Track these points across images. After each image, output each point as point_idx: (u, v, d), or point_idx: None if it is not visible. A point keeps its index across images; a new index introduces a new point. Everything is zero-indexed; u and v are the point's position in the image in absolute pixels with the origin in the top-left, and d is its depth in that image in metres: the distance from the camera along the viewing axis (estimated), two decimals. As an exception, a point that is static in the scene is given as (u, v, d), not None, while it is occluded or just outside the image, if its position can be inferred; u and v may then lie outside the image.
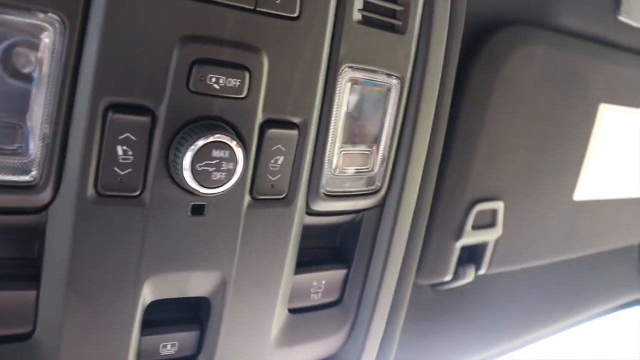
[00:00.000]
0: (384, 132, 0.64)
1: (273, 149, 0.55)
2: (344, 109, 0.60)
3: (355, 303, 0.71)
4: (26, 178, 0.47)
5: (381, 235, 0.69)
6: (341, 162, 0.62)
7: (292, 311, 0.66)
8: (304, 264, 0.65)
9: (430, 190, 0.72)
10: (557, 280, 1.52)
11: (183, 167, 0.49)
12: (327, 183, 0.61)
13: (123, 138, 0.48)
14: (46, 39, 0.45)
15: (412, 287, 0.75)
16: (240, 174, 0.52)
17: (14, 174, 0.46)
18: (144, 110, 0.48)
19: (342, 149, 0.61)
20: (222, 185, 0.51)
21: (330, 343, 0.70)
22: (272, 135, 0.55)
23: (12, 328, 0.50)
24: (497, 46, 1.01)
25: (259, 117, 0.54)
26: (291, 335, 0.65)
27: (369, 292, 0.70)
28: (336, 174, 0.62)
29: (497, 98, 1.03)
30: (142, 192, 0.50)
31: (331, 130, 0.59)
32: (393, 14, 0.61)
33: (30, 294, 0.50)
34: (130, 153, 0.49)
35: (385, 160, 0.65)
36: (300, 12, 0.53)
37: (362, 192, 0.65)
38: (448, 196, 1.06)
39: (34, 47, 0.45)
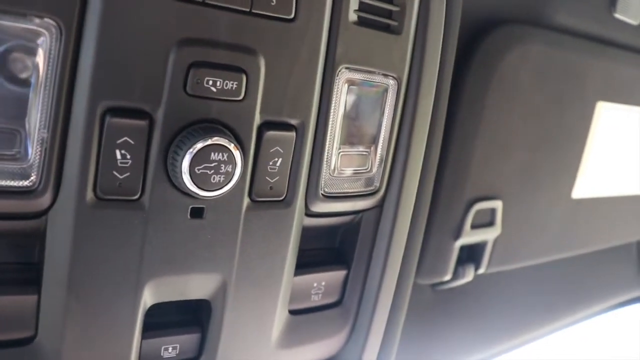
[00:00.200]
0: (381, 133, 0.64)
1: (271, 151, 0.55)
2: (341, 110, 0.60)
3: (355, 304, 0.71)
4: (25, 183, 0.47)
5: (380, 235, 0.69)
6: (339, 163, 0.62)
7: (292, 312, 0.66)
8: (303, 266, 0.65)
9: (429, 190, 0.72)
10: (556, 278, 1.52)
11: (182, 170, 0.49)
12: (325, 184, 0.61)
13: (121, 142, 0.48)
14: (43, 44, 0.45)
15: (411, 287, 0.75)
16: (239, 177, 0.52)
17: (13, 179, 0.46)
18: (141, 114, 0.48)
19: (340, 150, 0.61)
20: (221, 188, 0.51)
21: (331, 344, 0.70)
22: (270, 137, 0.55)
23: (13, 333, 0.50)
24: (493, 45, 1.02)
25: (257, 119, 0.54)
26: (292, 337, 0.65)
27: (369, 293, 0.70)
28: (335, 175, 0.62)
29: (494, 97, 1.03)
30: (141, 196, 0.50)
31: (329, 131, 0.59)
32: (389, 14, 0.61)
33: (31, 298, 0.50)
34: (128, 157, 0.49)
35: (383, 160, 0.65)
36: (296, 14, 0.53)
37: (361, 193, 0.65)
38: (446, 196, 1.06)
39: (31, 52, 0.45)
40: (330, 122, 0.59)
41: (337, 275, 0.69)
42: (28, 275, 0.51)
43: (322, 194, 0.61)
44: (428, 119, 0.67)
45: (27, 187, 0.47)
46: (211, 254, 0.55)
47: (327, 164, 0.61)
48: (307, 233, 0.63)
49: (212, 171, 0.50)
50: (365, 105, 0.62)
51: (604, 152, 1.35)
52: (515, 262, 1.30)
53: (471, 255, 1.20)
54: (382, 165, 0.66)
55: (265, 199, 0.57)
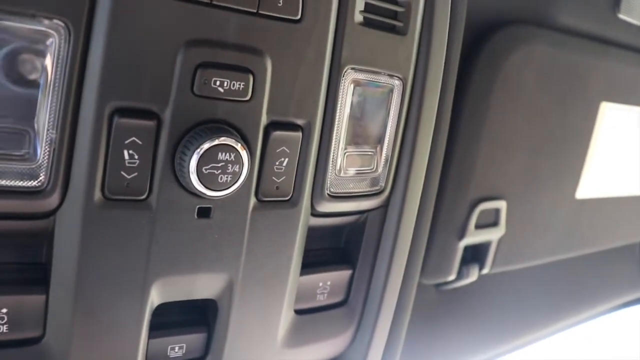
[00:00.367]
0: (387, 133, 0.64)
1: (277, 151, 0.56)
2: (347, 111, 0.60)
3: (360, 303, 0.71)
4: (34, 183, 0.47)
5: (385, 235, 0.69)
6: (345, 163, 0.62)
7: (298, 312, 0.66)
8: (309, 265, 0.65)
9: (434, 190, 0.72)
10: (560, 279, 1.52)
11: (189, 170, 0.49)
12: (331, 184, 0.62)
13: (129, 142, 0.48)
14: (51, 45, 0.45)
15: (416, 287, 0.76)
16: (246, 176, 0.52)
17: (21, 179, 0.46)
18: (149, 114, 0.49)
19: (345, 150, 0.62)
20: (228, 188, 0.52)
21: (337, 343, 0.70)
22: (277, 138, 0.55)
23: (21, 332, 0.51)
24: (497, 46, 1.02)
25: (263, 120, 0.54)
26: (298, 336, 0.65)
27: (374, 293, 0.71)
28: (340, 175, 0.62)
29: (498, 97, 1.04)
30: (148, 196, 0.51)
31: (335, 131, 0.60)
32: (394, 15, 0.61)
33: (39, 298, 0.51)
34: (136, 157, 0.49)
35: (388, 160, 0.66)
36: (303, 15, 0.53)
37: (366, 193, 0.65)
38: (451, 196, 1.07)
39: (40, 53, 0.45)
40: (336, 123, 0.59)
41: (342, 275, 0.69)
42: (36, 275, 0.51)
43: (327, 194, 0.62)
44: (433, 119, 0.67)
45: (35, 187, 0.47)
46: (218, 254, 0.55)
47: (332, 164, 0.61)
48: (312, 233, 0.63)
49: (219, 171, 0.50)
50: (370, 105, 0.62)
51: (607, 152, 1.35)
52: (519, 262, 1.30)
53: (475, 255, 1.20)
54: (388, 166, 0.66)
55: (272, 199, 0.57)
